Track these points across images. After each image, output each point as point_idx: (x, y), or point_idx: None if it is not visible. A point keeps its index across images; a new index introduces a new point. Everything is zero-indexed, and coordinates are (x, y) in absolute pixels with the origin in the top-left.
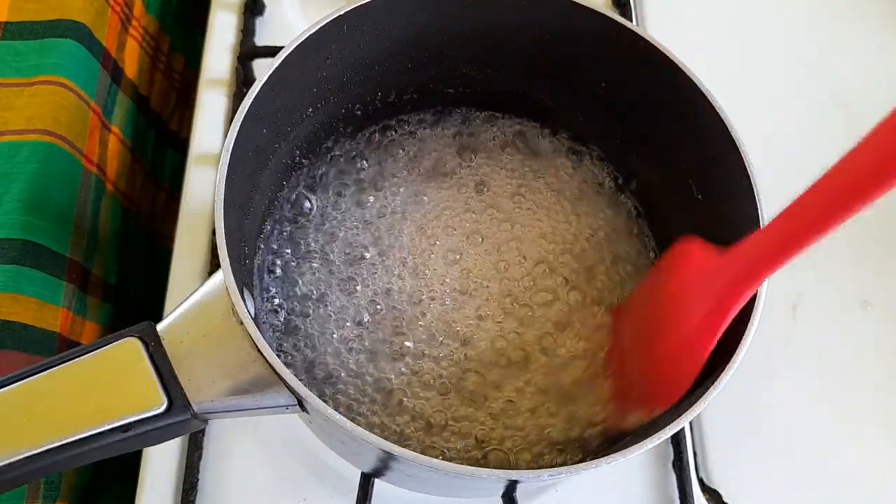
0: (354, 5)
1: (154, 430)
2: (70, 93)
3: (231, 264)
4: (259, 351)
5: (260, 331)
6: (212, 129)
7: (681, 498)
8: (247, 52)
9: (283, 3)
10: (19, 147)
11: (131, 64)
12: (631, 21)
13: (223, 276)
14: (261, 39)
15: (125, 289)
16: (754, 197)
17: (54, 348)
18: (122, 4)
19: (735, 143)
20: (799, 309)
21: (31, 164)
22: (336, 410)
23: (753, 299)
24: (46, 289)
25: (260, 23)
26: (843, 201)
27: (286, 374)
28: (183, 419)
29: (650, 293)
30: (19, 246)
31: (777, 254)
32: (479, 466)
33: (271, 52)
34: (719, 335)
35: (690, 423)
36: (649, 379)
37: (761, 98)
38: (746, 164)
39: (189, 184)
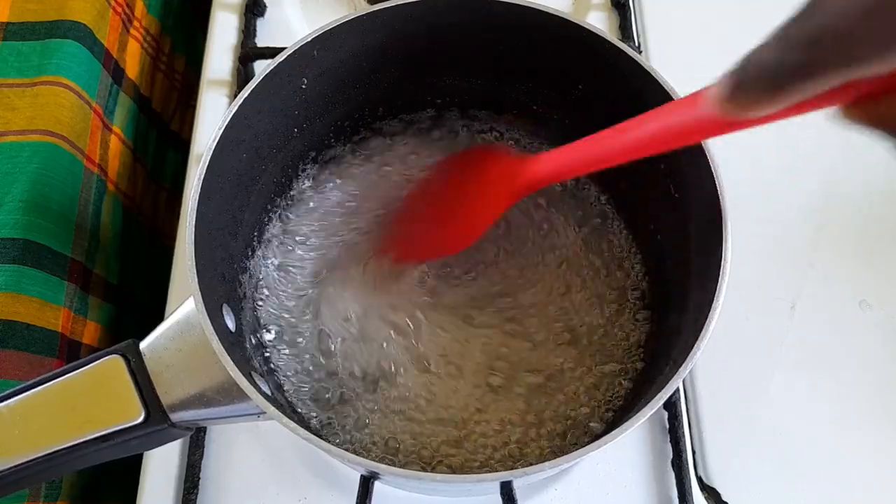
0: (317, 32)
1: (133, 440)
2: (71, 93)
3: (206, 285)
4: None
5: (244, 340)
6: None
7: (679, 496)
8: (247, 53)
9: (284, 4)
10: (21, 147)
11: (132, 64)
12: (630, 23)
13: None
14: (262, 40)
15: (127, 288)
16: (719, 198)
17: (56, 348)
18: (123, 5)
19: (701, 144)
20: (797, 308)
21: (32, 164)
22: (322, 420)
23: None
24: (48, 288)
25: (261, 24)
26: (610, 155)
27: (250, 389)
28: (160, 429)
29: (461, 167)
30: (21, 246)
31: (553, 173)
32: (478, 461)
33: (272, 52)
34: (496, 217)
35: (689, 421)
36: (434, 232)
37: None
38: (711, 164)
39: (190, 184)
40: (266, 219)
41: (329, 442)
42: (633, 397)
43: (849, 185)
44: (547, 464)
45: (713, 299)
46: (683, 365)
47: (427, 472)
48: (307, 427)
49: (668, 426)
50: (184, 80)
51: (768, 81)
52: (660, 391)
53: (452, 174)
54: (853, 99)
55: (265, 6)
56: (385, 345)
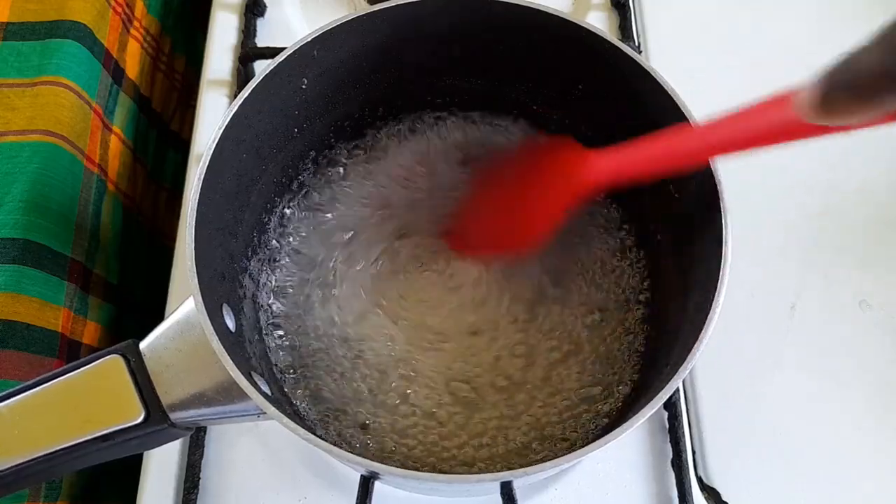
0: (317, 32)
1: (133, 440)
2: (71, 93)
3: (206, 285)
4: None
5: (244, 340)
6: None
7: (679, 496)
8: (247, 53)
9: (284, 4)
10: (21, 147)
11: (133, 64)
12: (630, 23)
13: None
14: (262, 40)
15: (127, 289)
16: (719, 199)
17: (56, 348)
18: (123, 5)
19: None
20: (797, 308)
21: (32, 164)
22: (323, 420)
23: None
24: (48, 288)
25: (261, 24)
26: (686, 154)
27: (249, 389)
28: (160, 429)
29: (523, 160)
30: (21, 246)
31: (624, 171)
32: (478, 461)
33: (272, 53)
34: (562, 212)
35: (689, 421)
36: (495, 228)
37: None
38: (711, 164)
39: (190, 184)
40: (266, 219)
41: (329, 442)
42: (633, 397)
43: (849, 185)
44: (547, 464)
45: (713, 299)
46: (683, 365)
47: (427, 472)
48: (307, 427)
49: (668, 426)
50: (184, 80)
51: (867, 87)
52: (660, 391)
53: (515, 167)
54: None
55: (265, 6)
56: (387, 346)
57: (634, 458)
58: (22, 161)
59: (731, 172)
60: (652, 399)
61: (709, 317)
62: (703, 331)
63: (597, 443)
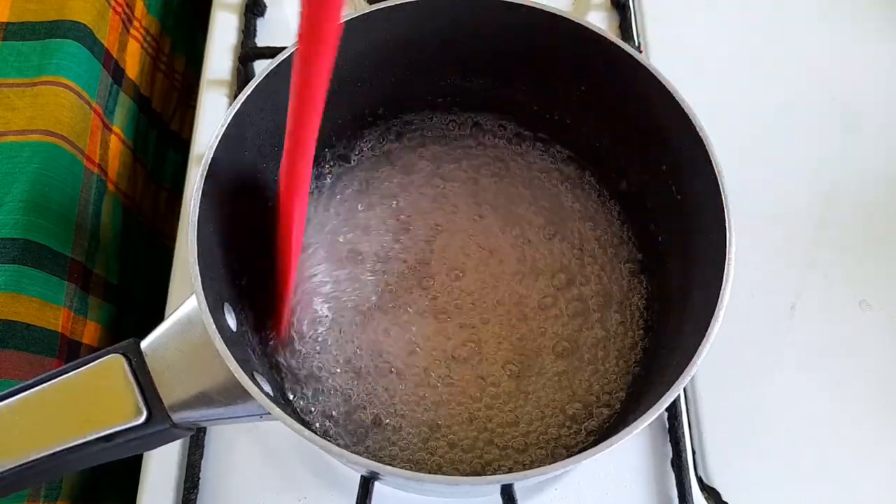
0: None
1: (135, 440)
2: (71, 93)
3: (207, 284)
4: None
5: (245, 342)
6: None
7: (680, 497)
8: (247, 53)
9: (284, 4)
10: (21, 147)
11: (133, 64)
12: (630, 23)
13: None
14: (262, 40)
15: (127, 289)
16: (722, 200)
17: (56, 348)
18: (123, 5)
19: (704, 145)
20: (797, 308)
21: (32, 164)
22: (323, 420)
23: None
24: (48, 288)
25: (261, 23)
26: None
27: (253, 389)
28: (161, 429)
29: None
30: (21, 246)
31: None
32: (480, 460)
33: (272, 52)
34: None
35: (689, 421)
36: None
37: (759, 99)
38: (714, 166)
39: (190, 184)
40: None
41: (330, 442)
42: (635, 399)
43: (849, 185)
44: (548, 467)
45: (716, 302)
46: (687, 368)
47: (427, 472)
48: (308, 427)
49: (668, 426)
50: (184, 80)
51: None
52: (662, 395)
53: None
54: None
55: (265, 6)
56: (385, 347)
57: (634, 459)
58: (22, 161)
59: (732, 172)
60: (655, 403)
61: (712, 320)
62: (707, 333)
63: (599, 446)
